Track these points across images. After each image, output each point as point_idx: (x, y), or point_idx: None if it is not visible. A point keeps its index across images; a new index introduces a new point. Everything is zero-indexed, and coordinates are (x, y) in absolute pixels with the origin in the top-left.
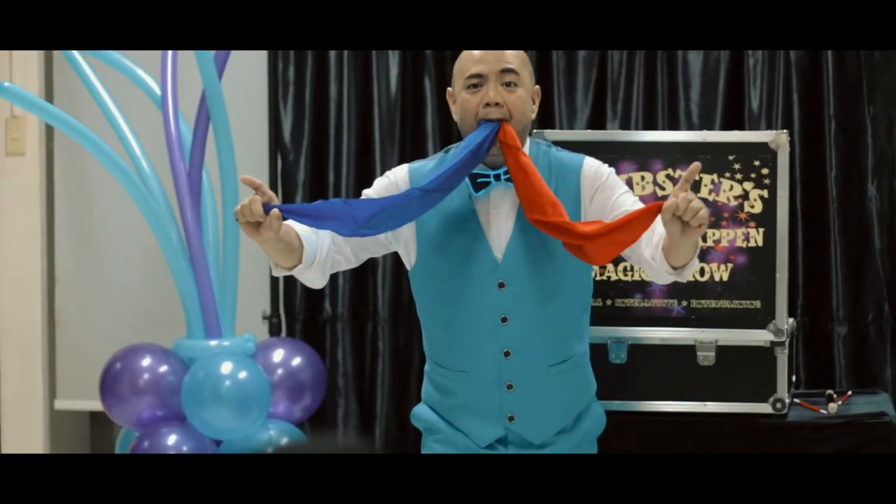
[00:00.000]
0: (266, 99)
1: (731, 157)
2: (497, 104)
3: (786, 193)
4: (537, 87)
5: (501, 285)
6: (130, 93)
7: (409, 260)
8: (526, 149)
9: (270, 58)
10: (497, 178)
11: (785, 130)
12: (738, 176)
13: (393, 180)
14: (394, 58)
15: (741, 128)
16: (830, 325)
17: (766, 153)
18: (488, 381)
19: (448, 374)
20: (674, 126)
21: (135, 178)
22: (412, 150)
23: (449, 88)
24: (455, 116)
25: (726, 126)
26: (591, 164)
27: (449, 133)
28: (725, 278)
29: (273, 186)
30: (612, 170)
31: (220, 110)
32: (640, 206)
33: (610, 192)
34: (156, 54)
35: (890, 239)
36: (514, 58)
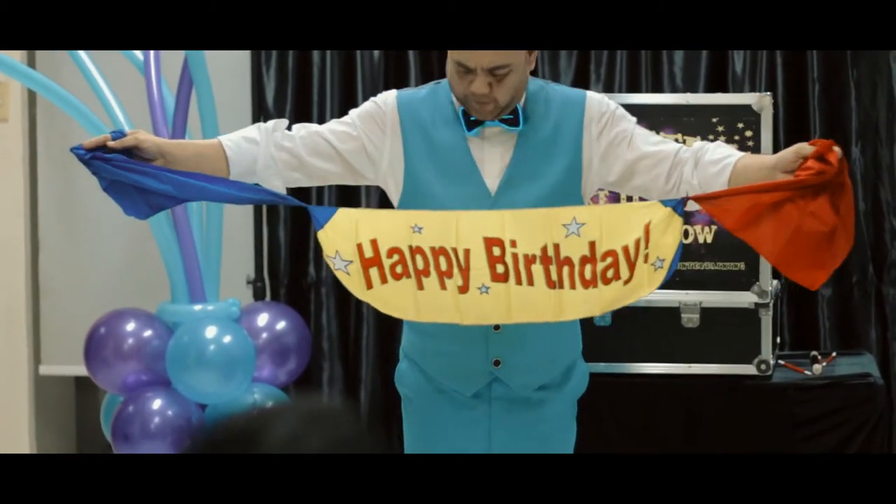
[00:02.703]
0: (249, 64)
1: (714, 120)
2: (484, 96)
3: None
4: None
5: None
6: (113, 58)
7: (395, 192)
8: (524, 97)
9: None
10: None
11: (768, 93)
12: (722, 138)
13: (381, 107)
14: None
15: (725, 91)
16: None
17: (749, 115)
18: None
19: (429, 333)
20: (658, 89)
21: None
22: None
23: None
24: (447, 73)
25: (710, 89)
26: (594, 97)
27: None
28: (709, 240)
29: None
30: (618, 105)
31: (202, 76)
32: (658, 141)
33: (621, 131)
34: None
35: (874, 202)
36: (510, 54)
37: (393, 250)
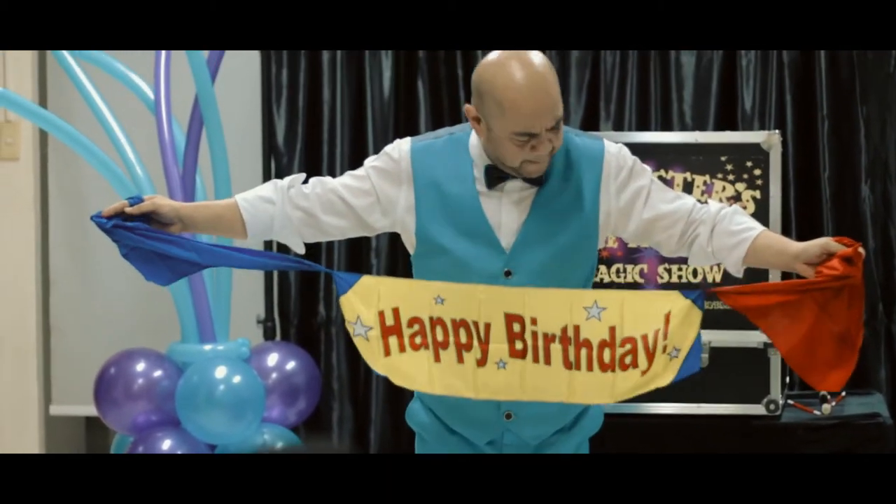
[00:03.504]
0: (259, 102)
1: (723, 158)
2: (548, 156)
3: (778, 194)
4: None
5: (508, 273)
6: (124, 97)
7: (409, 244)
8: None
9: (263, 61)
10: (514, 178)
11: (777, 131)
12: (731, 177)
13: (394, 160)
14: (387, 60)
15: (734, 129)
16: None
17: (758, 154)
18: None
19: None
20: (667, 127)
21: (128, 182)
22: None
23: (470, 106)
24: (480, 136)
25: (719, 127)
26: (611, 150)
27: None
28: (719, 279)
29: None
30: (636, 158)
31: (213, 114)
32: (674, 198)
33: (638, 188)
34: (149, 59)
35: (883, 239)
36: (559, 100)
37: (414, 320)
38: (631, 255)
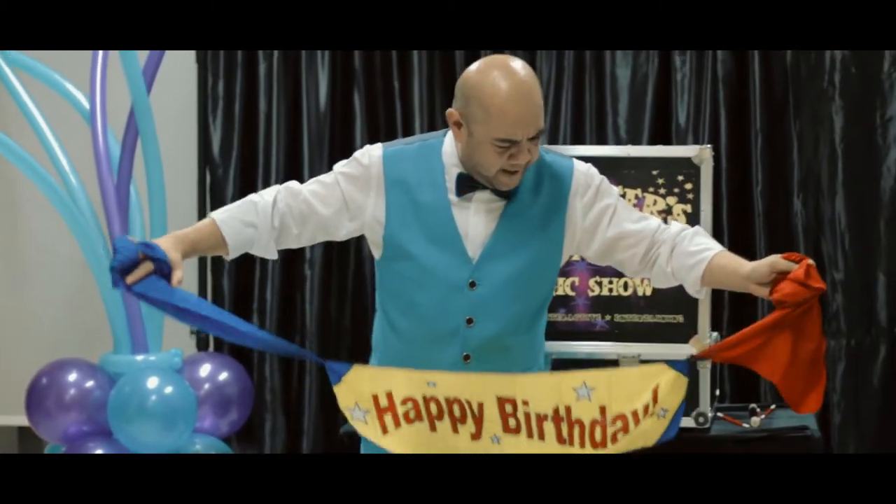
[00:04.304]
0: (195, 113)
1: (654, 172)
2: (525, 165)
3: (709, 208)
4: None
5: (472, 285)
6: (59, 107)
7: (377, 248)
8: None
9: (200, 72)
10: (485, 186)
11: (709, 145)
12: (662, 191)
13: (364, 167)
14: (323, 72)
15: (669, 143)
16: None
17: (689, 168)
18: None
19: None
20: (602, 141)
21: (62, 192)
22: None
23: (453, 110)
24: (458, 141)
25: (654, 141)
26: (580, 169)
27: None
28: (649, 293)
29: (202, 201)
30: (603, 178)
31: (148, 125)
32: (639, 218)
33: (604, 207)
34: (85, 68)
35: (815, 254)
36: (541, 111)
37: (408, 399)
38: (563, 267)
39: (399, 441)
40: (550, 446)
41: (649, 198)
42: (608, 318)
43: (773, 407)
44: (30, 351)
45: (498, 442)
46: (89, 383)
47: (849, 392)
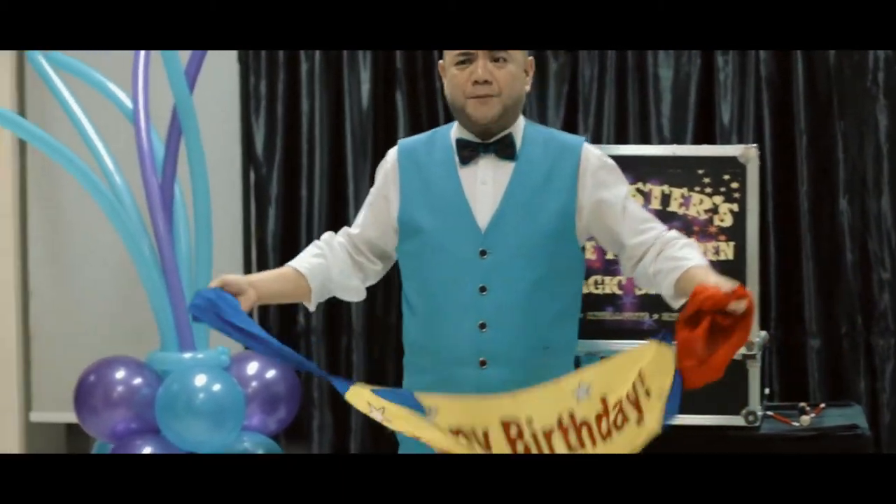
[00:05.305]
0: (238, 112)
1: (700, 171)
2: (486, 81)
3: (755, 207)
4: (531, 58)
5: (483, 253)
6: (103, 106)
7: (396, 236)
8: (520, 124)
9: (242, 71)
10: (485, 148)
11: (754, 145)
12: (708, 190)
13: (384, 170)
14: (365, 72)
15: (712, 142)
16: (804, 338)
17: (735, 167)
18: (463, 357)
19: (422, 353)
20: (645, 140)
21: (107, 191)
22: None
23: (440, 62)
24: (445, 90)
25: (698, 141)
26: (591, 148)
27: None
28: None
29: (246, 200)
30: (615, 164)
31: (191, 123)
32: (645, 219)
33: (614, 196)
34: (127, 68)
35: (861, 252)
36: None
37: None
38: (609, 266)
39: (432, 430)
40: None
41: (695, 197)
42: (656, 316)
43: (822, 406)
44: (78, 348)
45: None
46: (137, 381)
47: None
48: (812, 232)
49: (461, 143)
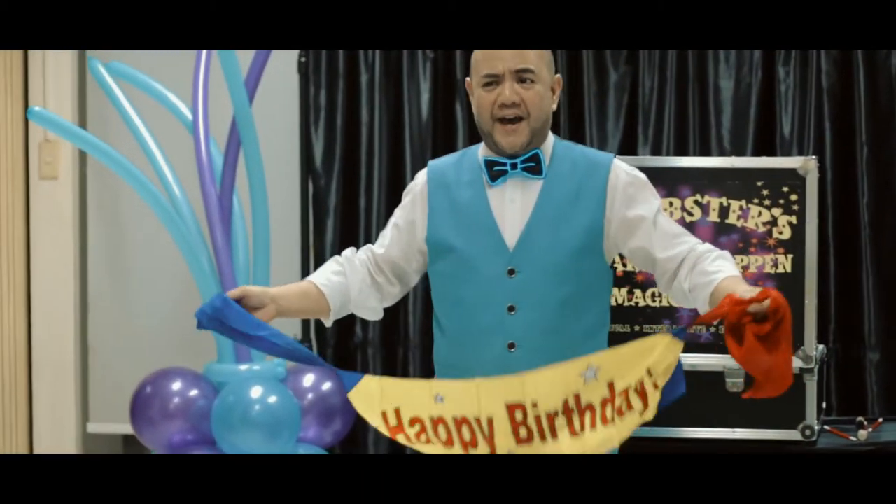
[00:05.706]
0: (297, 123)
1: (759, 183)
2: (514, 104)
3: (815, 219)
4: (558, 76)
5: (511, 272)
6: (162, 117)
7: (423, 257)
8: (549, 141)
9: (301, 83)
10: (514, 167)
11: (814, 157)
12: (767, 202)
13: (413, 192)
14: (425, 82)
15: (773, 154)
16: (863, 352)
17: (794, 179)
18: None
19: (452, 373)
20: (705, 152)
21: (166, 202)
22: None
23: (468, 78)
24: (473, 109)
25: (758, 152)
26: (621, 164)
27: None
28: None
29: (304, 211)
30: (646, 179)
31: (250, 135)
32: (678, 234)
33: (645, 213)
34: (187, 79)
35: None
36: (530, 55)
37: (415, 420)
38: None
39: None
40: (564, 444)
41: (754, 209)
42: (713, 329)
43: (880, 420)
44: (134, 360)
45: None
46: (193, 392)
47: None
48: (872, 245)
49: (489, 163)
